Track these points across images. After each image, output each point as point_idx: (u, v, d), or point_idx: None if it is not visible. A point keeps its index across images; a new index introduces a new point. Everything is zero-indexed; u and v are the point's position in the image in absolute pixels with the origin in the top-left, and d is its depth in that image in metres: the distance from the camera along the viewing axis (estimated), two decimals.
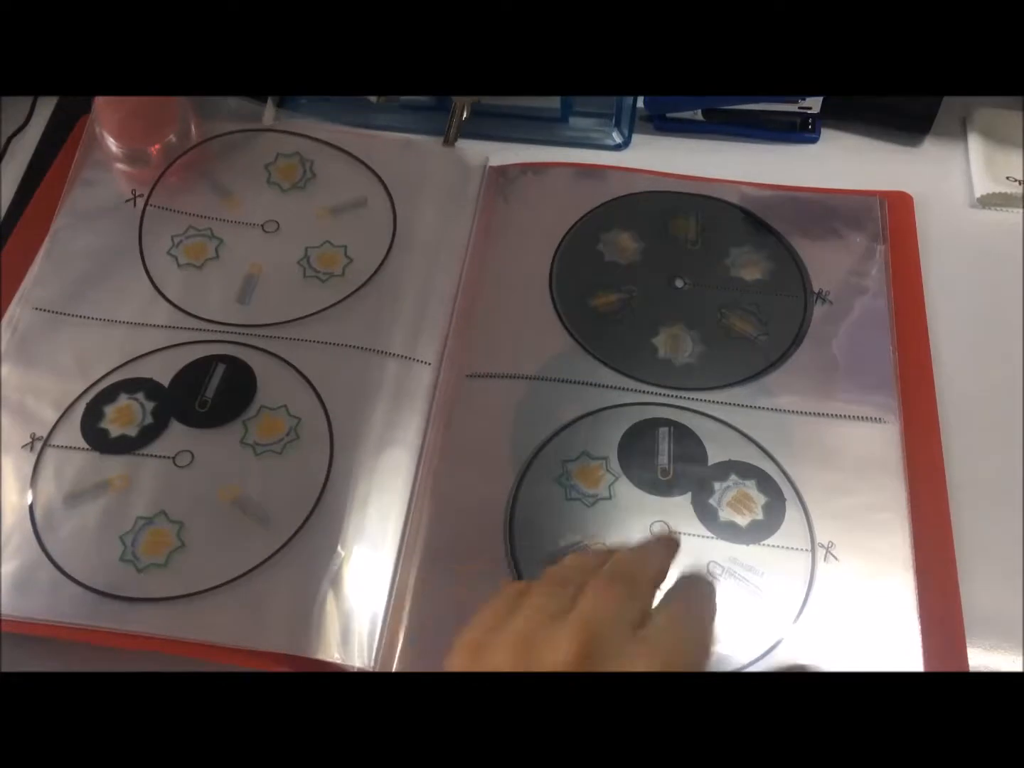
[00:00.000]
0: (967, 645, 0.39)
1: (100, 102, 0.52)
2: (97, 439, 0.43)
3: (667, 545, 0.33)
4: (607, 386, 0.45)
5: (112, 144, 0.51)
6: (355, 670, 0.38)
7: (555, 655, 0.29)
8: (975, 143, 0.53)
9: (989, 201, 0.51)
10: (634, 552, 0.32)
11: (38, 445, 0.43)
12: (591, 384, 0.45)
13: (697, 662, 0.29)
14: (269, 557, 0.40)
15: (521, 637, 0.30)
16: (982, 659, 0.39)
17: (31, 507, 0.41)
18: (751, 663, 0.38)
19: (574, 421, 0.44)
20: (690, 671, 0.29)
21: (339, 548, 0.41)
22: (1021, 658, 0.39)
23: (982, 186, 0.51)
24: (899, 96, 0.52)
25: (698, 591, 0.31)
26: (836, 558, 0.40)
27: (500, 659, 0.30)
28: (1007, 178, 0.51)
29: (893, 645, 0.38)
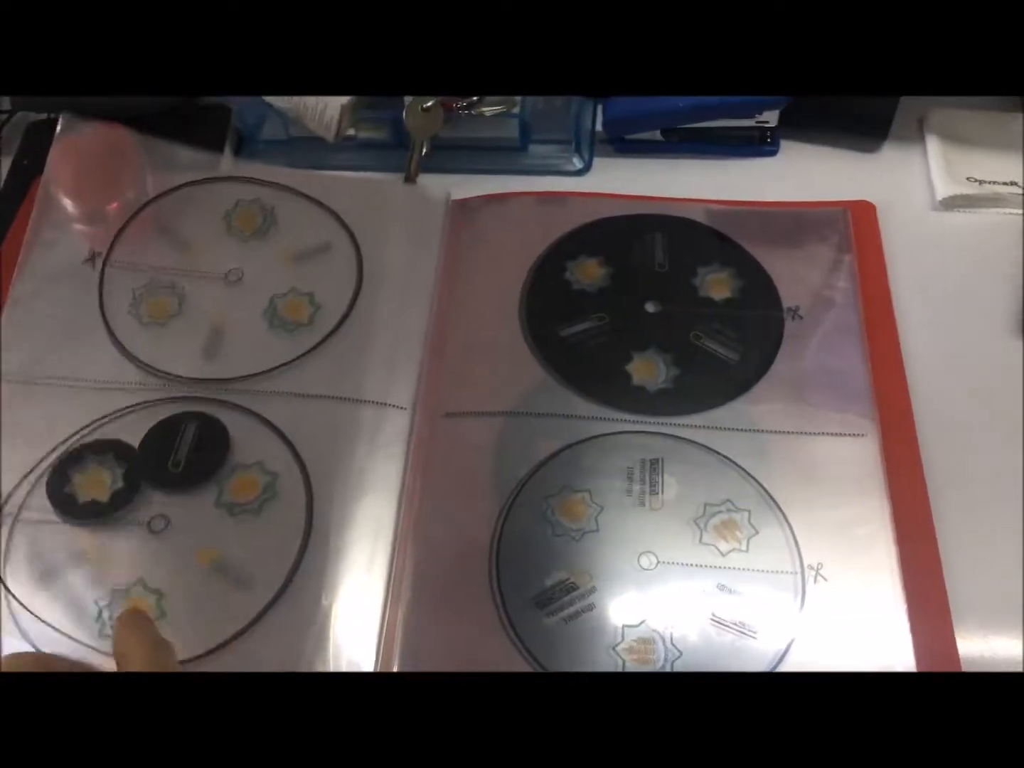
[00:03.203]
0: (958, 649, 0.39)
1: (53, 162, 0.51)
2: (66, 506, 0.42)
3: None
4: (584, 417, 0.45)
5: (68, 204, 0.51)
6: None
7: None
8: (933, 145, 0.54)
9: (952, 203, 0.51)
10: None
11: (8, 520, 0.42)
12: (568, 416, 0.45)
13: None
14: (254, 620, 0.40)
15: None
16: (974, 653, 0.39)
17: (5, 585, 0.40)
18: None
19: (553, 455, 0.44)
20: None
21: (324, 601, 0.40)
22: (1010, 654, 0.39)
23: (943, 188, 0.52)
24: (857, 97, 0.52)
25: None
26: (825, 578, 0.40)
27: None
28: (967, 179, 0.52)
29: (886, 658, 0.38)
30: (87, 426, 0.45)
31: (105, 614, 0.40)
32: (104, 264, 0.50)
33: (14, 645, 0.39)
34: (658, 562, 0.41)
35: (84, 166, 0.51)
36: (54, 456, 0.44)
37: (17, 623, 0.39)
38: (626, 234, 0.51)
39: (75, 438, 0.44)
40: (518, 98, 0.53)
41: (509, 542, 0.42)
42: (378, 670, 0.39)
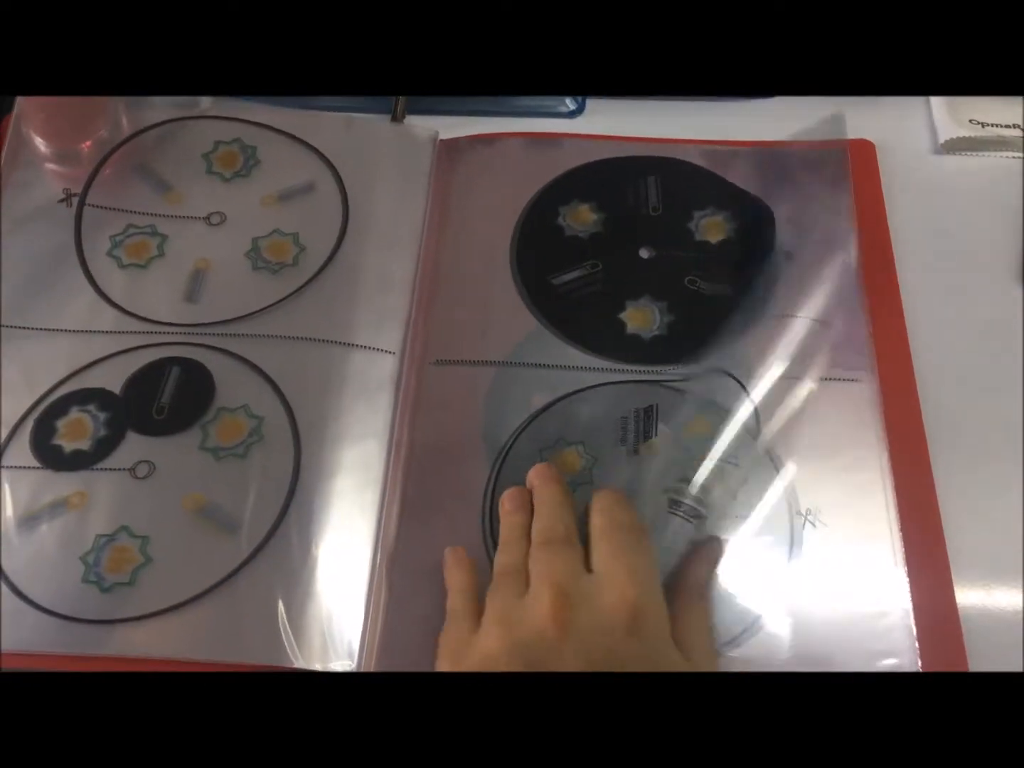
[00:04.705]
0: (957, 598, 0.38)
1: (23, 100, 0.49)
2: (50, 456, 0.41)
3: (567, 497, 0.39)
4: (577, 367, 0.44)
5: (40, 144, 0.49)
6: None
7: (535, 614, 0.33)
8: None
9: (953, 146, 0.50)
10: (547, 516, 0.38)
11: None
12: (561, 367, 0.44)
13: (651, 585, 0.35)
14: (241, 565, 0.39)
15: (498, 616, 0.34)
16: (973, 602, 0.39)
17: None
18: (735, 639, 0.38)
19: (546, 407, 0.43)
20: (649, 596, 0.34)
21: (313, 549, 0.39)
22: (1009, 603, 0.39)
23: (945, 131, 0.50)
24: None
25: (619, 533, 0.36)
26: (820, 524, 0.40)
27: (488, 644, 0.34)
28: (970, 121, 0.50)
29: (882, 605, 0.38)
30: (68, 376, 0.43)
31: (89, 559, 0.39)
32: (81, 204, 0.48)
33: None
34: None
35: (55, 104, 0.49)
36: (37, 408, 0.43)
37: (2, 571, 0.39)
38: (619, 177, 0.50)
39: (57, 389, 0.43)
40: None
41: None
42: (367, 623, 0.38)
